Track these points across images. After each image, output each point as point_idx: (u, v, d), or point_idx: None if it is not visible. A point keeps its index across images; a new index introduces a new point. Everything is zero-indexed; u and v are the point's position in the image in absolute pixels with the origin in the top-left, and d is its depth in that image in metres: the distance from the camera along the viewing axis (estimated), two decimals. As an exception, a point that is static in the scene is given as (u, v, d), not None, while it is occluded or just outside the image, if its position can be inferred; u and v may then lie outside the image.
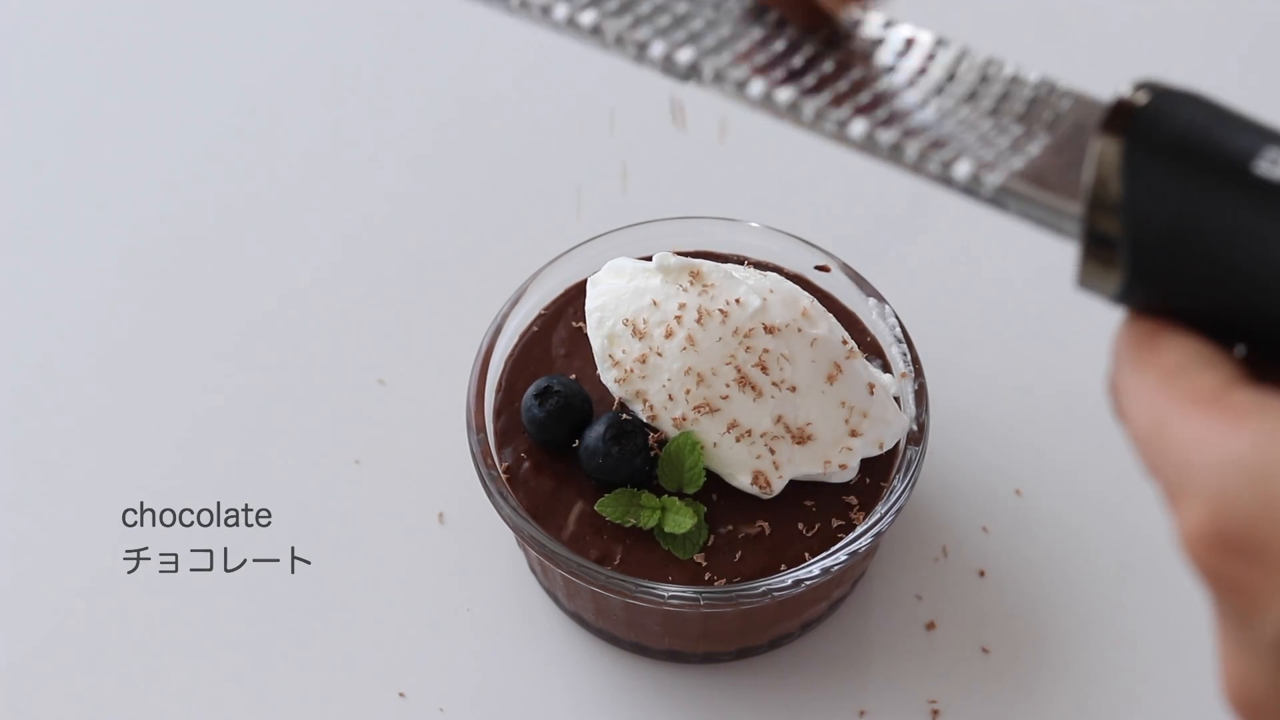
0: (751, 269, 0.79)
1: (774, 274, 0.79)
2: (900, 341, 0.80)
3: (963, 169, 0.46)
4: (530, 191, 0.95)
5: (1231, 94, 0.47)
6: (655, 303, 0.76)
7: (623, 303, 0.76)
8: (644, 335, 0.75)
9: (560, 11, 0.50)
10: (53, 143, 0.98)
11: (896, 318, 0.80)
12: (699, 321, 0.75)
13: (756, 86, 0.48)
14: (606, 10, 0.49)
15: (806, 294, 0.78)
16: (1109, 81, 0.46)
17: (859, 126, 0.47)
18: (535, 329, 0.81)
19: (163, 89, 1.00)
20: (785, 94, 0.47)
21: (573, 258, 0.82)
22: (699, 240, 0.83)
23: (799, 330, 0.75)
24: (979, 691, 0.79)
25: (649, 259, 0.77)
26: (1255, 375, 0.42)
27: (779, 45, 0.49)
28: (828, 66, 0.48)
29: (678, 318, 0.75)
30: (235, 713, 0.79)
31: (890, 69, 0.48)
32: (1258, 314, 0.41)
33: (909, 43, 0.48)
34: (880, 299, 0.81)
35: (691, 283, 0.76)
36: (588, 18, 0.49)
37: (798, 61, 0.48)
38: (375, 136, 0.98)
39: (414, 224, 0.94)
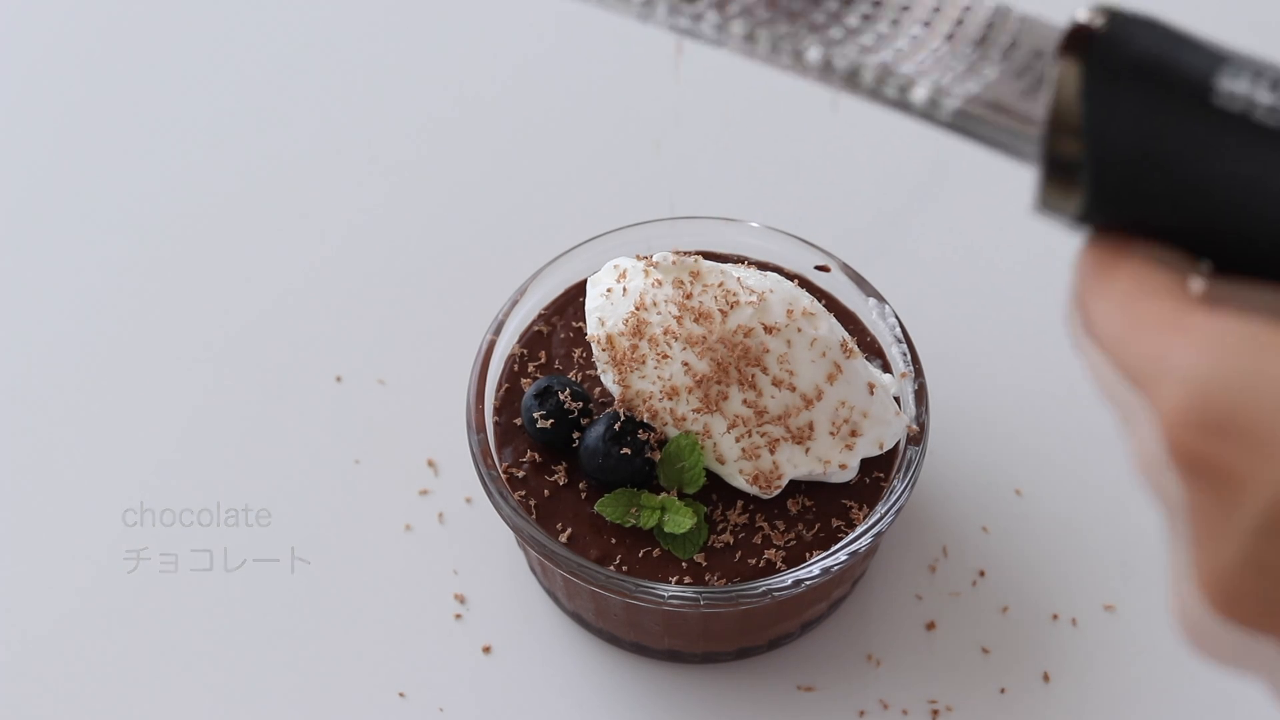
0: (751, 269, 0.79)
1: (774, 274, 0.79)
2: (900, 341, 0.80)
3: (920, 92, 0.46)
4: (530, 191, 0.95)
5: (1189, 19, 0.47)
6: (655, 303, 0.76)
7: (623, 303, 0.76)
8: (644, 335, 0.75)
9: None
10: (52, 142, 0.98)
11: (896, 318, 0.80)
12: (699, 321, 0.75)
13: (711, 18, 0.48)
14: None
15: (806, 294, 0.78)
16: (1068, 6, 0.46)
17: (815, 52, 0.47)
18: (535, 329, 0.81)
19: (162, 86, 1.00)
20: (740, 26, 0.47)
21: (573, 258, 0.82)
22: (699, 240, 0.83)
23: (799, 330, 0.75)
24: (979, 691, 0.79)
25: (649, 259, 0.77)
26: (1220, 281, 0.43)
27: None
28: None
29: (678, 318, 0.75)
30: (235, 713, 0.79)
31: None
32: (1218, 229, 0.42)
33: None
34: (880, 299, 0.81)
35: (691, 282, 0.76)
36: None
37: None
38: (375, 136, 0.98)
39: (414, 224, 0.94)
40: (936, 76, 0.46)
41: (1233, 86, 0.41)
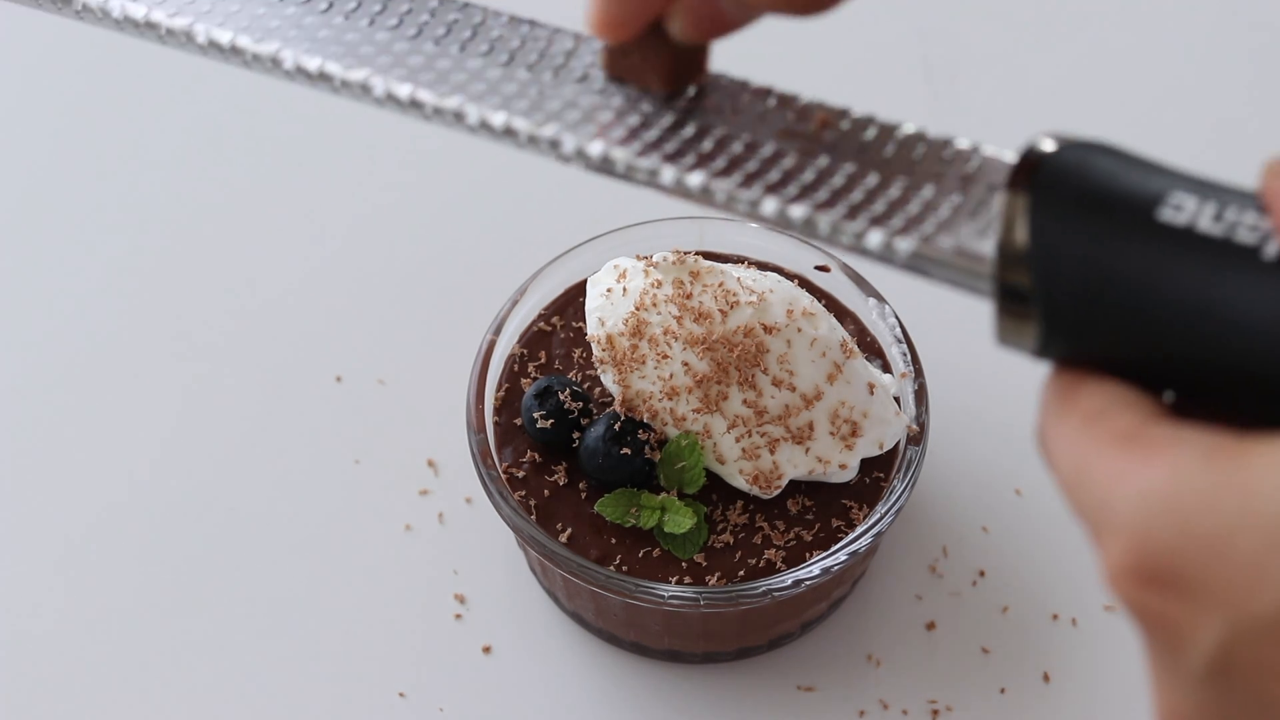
0: (751, 269, 0.79)
1: (774, 274, 0.79)
2: (900, 341, 0.80)
3: (874, 238, 0.46)
4: (530, 191, 0.95)
5: (1140, 142, 0.47)
6: (655, 303, 0.76)
7: (623, 303, 0.76)
8: (644, 335, 0.75)
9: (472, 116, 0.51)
10: (52, 143, 0.98)
11: (896, 318, 0.80)
12: (699, 321, 0.75)
13: (668, 174, 0.48)
14: (516, 111, 0.50)
15: (806, 294, 0.78)
16: (1019, 138, 0.46)
17: (770, 205, 0.47)
18: (535, 329, 0.81)
19: (162, 85, 1.00)
20: (696, 179, 0.47)
21: (573, 258, 0.82)
22: (699, 240, 0.83)
23: (799, 330, 0.75)
24: (979, 691, 0.79)
25: (649, 259, 0.77)
26: (1183, 415, 0.42)
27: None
28: (737, 148, 0.48)
29: (678, 318, 0.75)
30: (235, 713, 0.79)
31: (796, 140, 0.48)
32: (1174, 358, 0.41)
33: (811, 112, 0.48)
34: (880, 299, 0.81)
35: (691, 282, 0.76)
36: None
37: (707, 145, 0.48)
38: (375, 135, 0.98)
39: (414, 223, 0.94)
40: (889, 222, 0.46)
41: (1179, 204, 0.41)
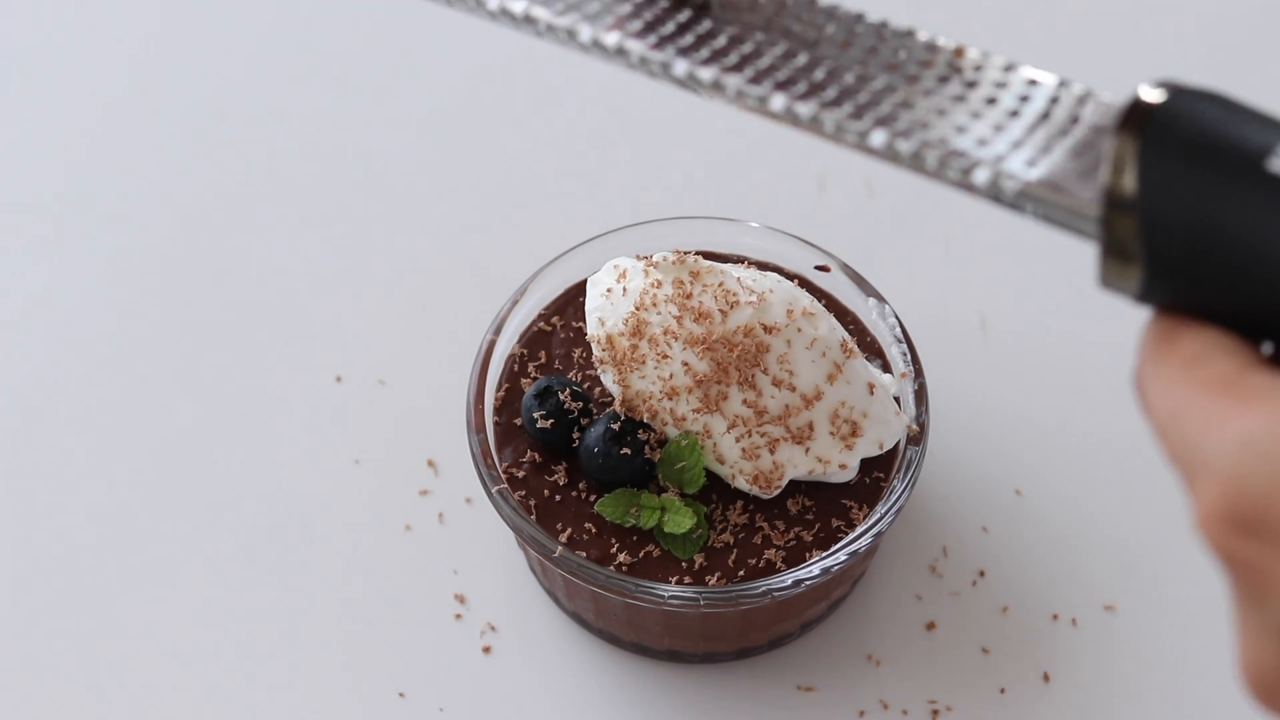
0: (751, 269, 0.79)
1: (774, 274, 0.79)
2: (900, 341, 0.80)
3: (982, 175, 0.46)
4: (530, 191, 0.95)
5: (1248, 91, 0.47)
6: (655, 303, 0.76)
7: (623, 303, 0.76)
8: (644, 335, 0.75)
9: (585, 34, 0.50)
10: (53, 143, 0.98)
11: (896, 318, 0.80)
12: (699, 321, 0.75)
13: (778, 101, 0.48)
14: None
15: (806, 294, 0.78)
16: (1127, 82, 0.46)
17: (879, 137, 0.47)
18: (535, 329, 0.81)
19: (162, 85, 1.00)
20: (807, 108, 0.48)
21: (573, 258, 0.82)
22: (699, 240, 0.83)
23: (799, 330, 0.75)
24: (979, 691, 0.79)
25: (649, 259, 0.77)
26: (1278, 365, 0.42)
27: (801, 60, 0.49)
28: (849, 79, 0.48)
29: (677, 318, 0.75)
30: (235, 713, 0.79)
31: (911, 77, 0.48)
32: (1276, 309, 0.42)
33: (930, 49, 0.49)
34: (880, 299, 0.81)
35: (691, 282, 0.76)
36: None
37: (819, 74, 0.48)
38: (376, 135, 0.98)
39: (414, 224, 0.94)
40: (998, 158, 0.46)
41: None
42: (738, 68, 0.49)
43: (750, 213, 0.88)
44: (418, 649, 0.80)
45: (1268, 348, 0.43)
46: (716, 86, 0.49)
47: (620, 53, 0.50)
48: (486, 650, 0.80)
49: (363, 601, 0.82)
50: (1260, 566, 0.40)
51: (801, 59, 0.49)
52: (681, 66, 0.49)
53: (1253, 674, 0.41)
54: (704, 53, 0.49)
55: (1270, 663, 0.41)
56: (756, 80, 0.49)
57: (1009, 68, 0.48)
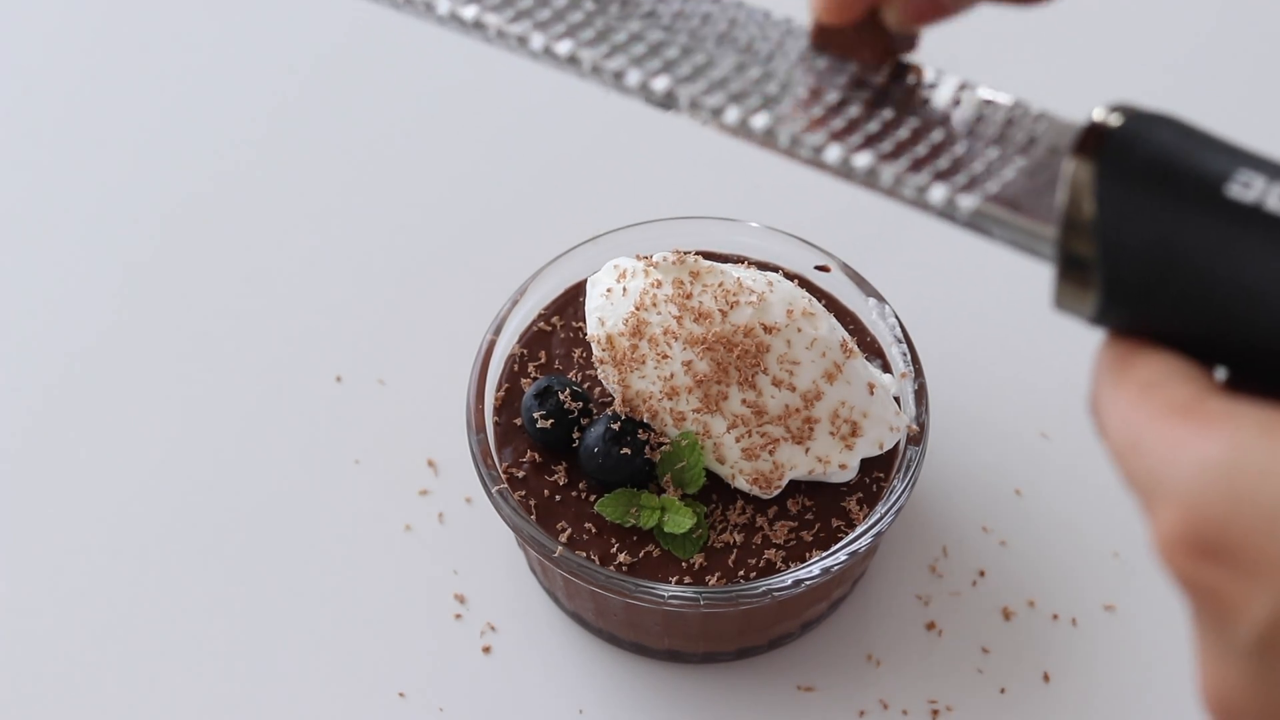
0: (751, 269, 0.79)
1: (774, 274, 0.79)
2: (900, 341, 0.80)
3: (937, 194, 0.46)
4: (530, 191, 0.95)
5: (1208, 115, 0.47)
6: (655, 303, 0.76)
7: (623, 303, 0.76)
8: (644, 335, 0.75)
9: (536, 41, 0.50)
10: (53, 143, 0.98)
11: (896, 318, 0.80)
12: (699, 321, 0.75)
13: (732, 113, 0.48)
14: (581, 40, 0.50)
15: (806, 294, 0.78)
16: (1085, 104, 0.46)
17: (835, 152, 0.47)
18: (535, 329, 0.81)
19: (162, 85, 1.00)
20: (761, 120, 0.48)
21: (573, 258, 0.82)
22: (699, 240, 0.83)
23: (799, 330, 0.75)
24: (979, 691, 0.79)
25: (649, 259, 0.77)
26: (1234, 392, 0.42)
27: (754, 72, 0.49)
28: (801, 93, 0.48)
29: (677, 318, 0.75)
30: (235, 713, 0.79)
31: (863, 91, 0.48)
32: (1232, 335, 0.42)
33: (886, 68, 0.49)
34: (880, 299, 0.81)
35: (691, 282, 0.76)
36: (563, 47, 0.50)
37: (773, 89, 0.48)
38: (376, 135, 0.98)
39: (414, 224, 0.94)
40: (954, 177, 0.46)
41: (1248, 181, 0.41)
42: (690, 78, 0.49)
43: (750, 213, 0.88)
44: (418, 649, 0.80)
45: (1220, 373, 0.43)
46: (669, 97, 0.49)
47: (572, 61, 0.50)
48: (486, 650, 0.80)
49: (363, 601, 0.82)
50: (1220, 590, 0.39)
51: (754, 72, 0.49)
52: (636, 76, 0.49)
53: (1213, 697, 0.41)
54: (655, 63, 0.49)
55: (1232, 685, 0.40)
56: (709, 91, 0.49)
57: (964, 86, 0.48)
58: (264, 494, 0.85)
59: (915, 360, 0.79)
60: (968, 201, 0.45)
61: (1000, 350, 0.89)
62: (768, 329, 0.75)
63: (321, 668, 0.80)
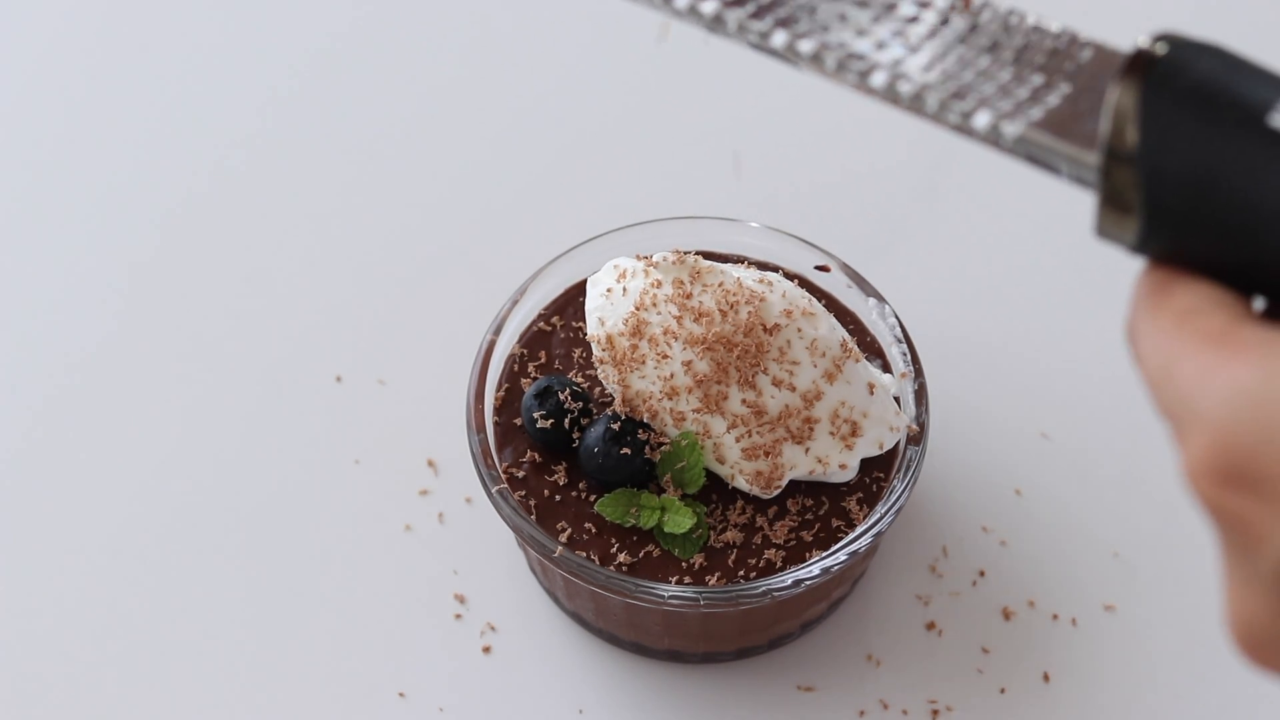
0: (751, 269, 0.79)
1: (774, 274, 0.79)
2: (900, 341, 0.80)
3: (982, 119, 0.46)
4: (530, 191, 0.95)
5: (1251, 45, 0.47)
6: (655, 302, 0.76)
7: (623, 303, 0.76)
8: (644, 335, 0.75)
9: None
10: (53, 143, 0.98)
11: (896, 318, 0.80)
12: (699, 321, 0.75)
13: (779, 38, 0.48)
14: None
15: (806, 294, 0.78)
16: (1129, 33, 0.46)
17: (880, 77, 0.47)
18: (535, 329, 0.81)
19: (163, 85, 1.00)
20: (808, 45, 0.48)
21: (573, 258, 0.82)
22: (699, 240, 0.83)
23: (798, 330, 0.75)
24: (979, 691, 0.79)
25: (649, 259, 0.77)
26: (1272, 321, 0.42)
27: None
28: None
29: (677, 318, 0.75)
30: (235, 713, 0.79)
31: (913, 19, 0.48)
32: (1271, 264, 0.42)
33: None
34: (880, 299, 0.81)
35: (691, 282, 0.76)
36: None
37: (824, 14, 0.48)
38: (376, 135, 0.98)
39: (414, 223, 0.94)
40: (998, 103, 0.46)
41: None
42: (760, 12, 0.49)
43: (750, 213, 0.88)
44: (418, 649, 0.80)
45: (1259, 303, 0.43)
46: (717, 20, 0.49)
47: None
48: (486, 650, 0.80)
49: (363, 601, 0.82)
50: (1248, 518, 0.39)
51: None
52: None
53: (1239, 626, 0.41)
54: None
55: (1258, 615, 0.40)
56: (758, 14, 0.49)
57: (1011, 13, 0.48)
58: (264, 494, 0.85)
59: (915, 360, 0.79)
60: (1012, 128, 0.46)
61: (1000, 350, 0.89)
62: (768, 329, 0.75)
63: (321, 668, 0.80)
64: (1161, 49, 0.43)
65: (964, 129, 0.46)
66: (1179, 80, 0.43)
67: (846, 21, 0.48)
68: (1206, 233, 0.42)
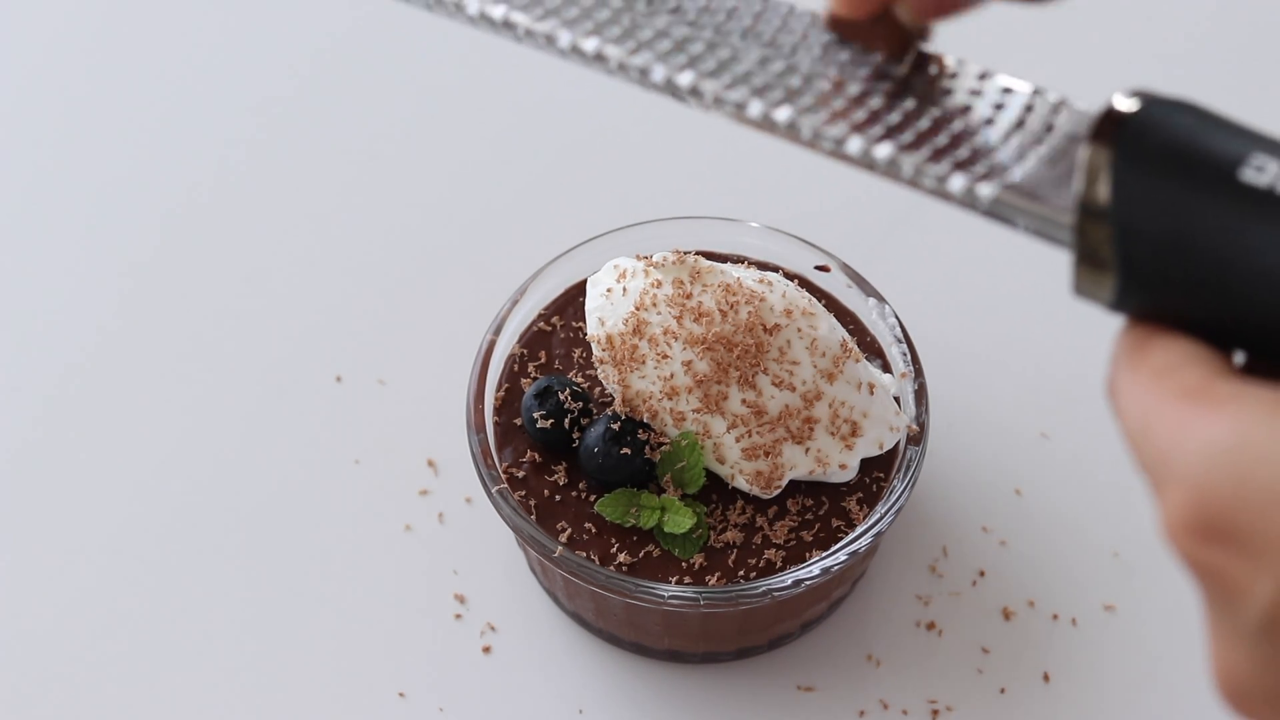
0: (751, 269, 0.79)
1: (774, 274, 0.79)
2: (900, 341, 0.80)
3: (958, 183, 0.46)
4: (530, 191, 0.95)
5: (1222, 100, 0.47)
6: (655, 302, 0.76)
7: (623, 303, 0.76)
8: (644, 335, 0.75)
9: (564, 39, 0.50)
10: (53, 143, 0.98)
11: (896, 318, 0.80)
12: (699, 321, 0.75)
13: (755, 107, 0.49)
14: (607, 37, 0.50)
15: (806, 294, 0.78)
16: (1101, 91, 0.46)
17: (856, 143, 0.47)
18: (535, 329, 0.81)
19: (163, 85, 1.00)
20: (784, 114, 0.48)
21: (573, 258, 0.82)
22: (699, 240, 0.83)
23: (798, 330, 0.75)
24: (979, 691, 0.79)
25: (649, 259, 0.77)
26: (1252, 376, 0.42)
27: (777, 66, 0.49)
28: (823, 85, 0.49)
29: (677, 318, 0.75)
30: (235, 712, 0.79)
31: (885, 83, 0.48)
32: (1249, 319, 0.42)
33: (905, 57, 0.49)
34: (880, 299, 0.81)
35: (691, 282, 0.76)
36: (590, 45, 0.50)
37: (796, 82, 0.49)
38: (376, 135, 0.98)
39: (414, 224, 0.94)
40: (973, 167, 0.46)
41: (1261, 165, 0.41)
42: (715, 73, 0.49)
43: (750, 213, 0.88)
44: (418, 649, 0.80)
45: (1239, 357, 0.43)
46: (694, 92, 0.49)
47: (599, 58, 0.50)
48: (486, 650, 0.80)
49: (363, 601, 0.82)
50: (1228, 573, 0.40)
51: (778, 65, 0.49)
52: (659, 71, 0.50)
53: (1225, 679, 0.41)
54: (681, 58, 0.50)
55: (1241, 667, 0.41)
56: (733, 85, 0.49)
57: (984, 75, 0.48)
58: (264, 494, 0.85)
59: (915, 360, 0.79)
60: (987, 190, 0.46)
61: (1000, 350, 0.89)
62: (768, 329, 0.75)
63: (321, 668, 0.80)
64: (1131, 106, 0.43)
65: (940, 192, 0.47)
66: (1150, 138, 0.42)
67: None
68: (1182, 290, 0.42)
